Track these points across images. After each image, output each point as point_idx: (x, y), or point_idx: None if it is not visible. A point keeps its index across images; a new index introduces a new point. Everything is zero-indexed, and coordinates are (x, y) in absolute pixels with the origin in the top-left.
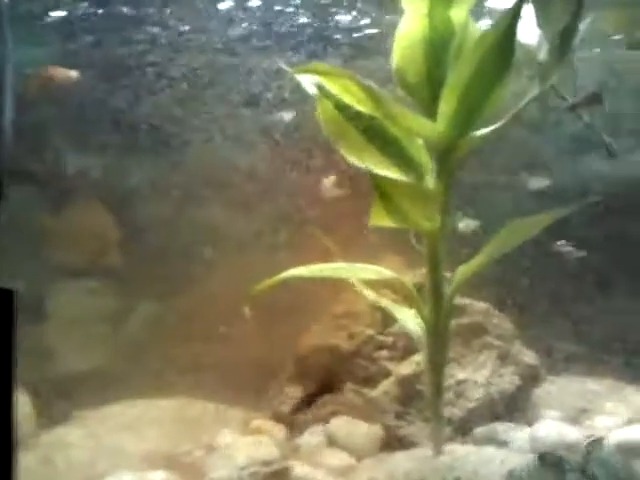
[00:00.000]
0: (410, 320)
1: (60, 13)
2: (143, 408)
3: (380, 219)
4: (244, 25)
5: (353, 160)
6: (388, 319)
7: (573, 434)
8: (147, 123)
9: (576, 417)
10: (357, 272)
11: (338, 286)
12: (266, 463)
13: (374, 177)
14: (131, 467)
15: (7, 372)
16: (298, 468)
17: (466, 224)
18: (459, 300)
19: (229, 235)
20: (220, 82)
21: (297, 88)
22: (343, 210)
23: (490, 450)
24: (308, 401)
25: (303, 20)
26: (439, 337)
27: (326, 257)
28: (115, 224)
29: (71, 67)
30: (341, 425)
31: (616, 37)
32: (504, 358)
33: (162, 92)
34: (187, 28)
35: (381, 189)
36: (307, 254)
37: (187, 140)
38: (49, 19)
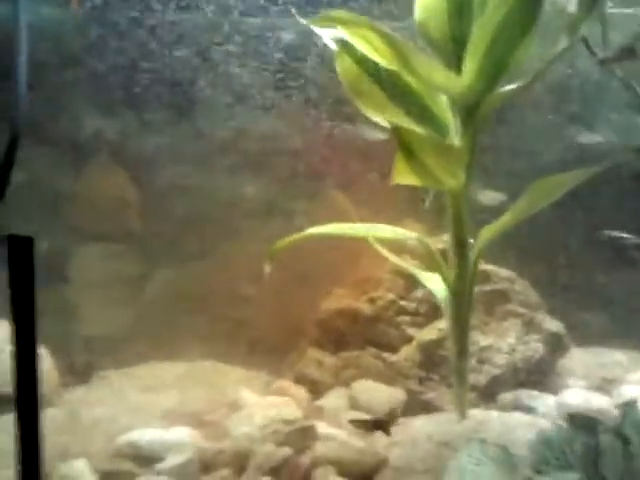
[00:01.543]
0: (434, 284)
1: None
2: (164, 370)
3: (404, 177)
4: None
5: (374, 117)
6: (409, 285)
7: (600, 401)
8: (169, 82)
9: (602, 386)
10: (378, 232)
11: (358, 252)
12: (288, 422)
13: (399, 131)
14: (154, 424)
15: (30, 320)
16: (321, 428)
17: (489, 197)
18: (482, 266)
19: (250, 199)
20: (243, 44)
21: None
22: (359, 174)
23: (515, 415)
24: (329, 364)
25: None
26: (464, 302)
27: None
28: (134, 188)
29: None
30: (363, 388)
31: None
32: (528, 326)
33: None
34: None
35: (406, 144)
36: (326, 218)
37: (208, 102)
38: None
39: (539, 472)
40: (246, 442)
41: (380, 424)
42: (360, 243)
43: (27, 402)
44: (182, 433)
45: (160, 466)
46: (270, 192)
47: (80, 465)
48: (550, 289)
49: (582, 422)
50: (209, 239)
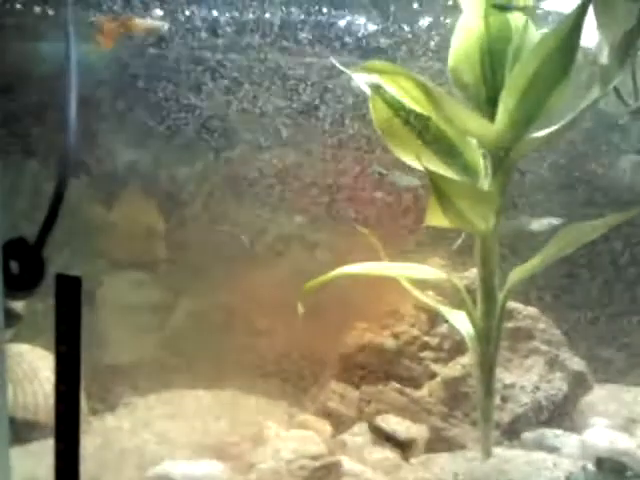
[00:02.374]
0: (460, 321)
1: None
2: (187, 399)
3: (436, 218)
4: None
5: (406, 160)
6: (433, 320)
7: (625, 442)
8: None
9: (626, 426)
10: (410, 271)
11: (380, 286)
12: (314, 457)
13: (433, 176)
14: (181, 455)
15: (76, 356)
16: (346, 463)
17: (541, 223)
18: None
19: (275, 232)
20: (275, 81)
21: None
22: (383, 212)
23: (540, 455)
24: (352, 398)
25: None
26: (490, 340)
27: (370, 257)
28: (162, 217)
29: None
30: (386, 424)
31: None
32: (552, 364)
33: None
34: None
35: (439, 188)
36: (350, 253)
37: (238, 136)
38: None
39: None
40: (273, 477)
41: (401, 445)
42: (382, 277)
43: (67, 438)
44: (211, 467)
45: None
46: (297, 226)
47: None
48: (571, 325)
49: (610, 466)
50: (235, 270)
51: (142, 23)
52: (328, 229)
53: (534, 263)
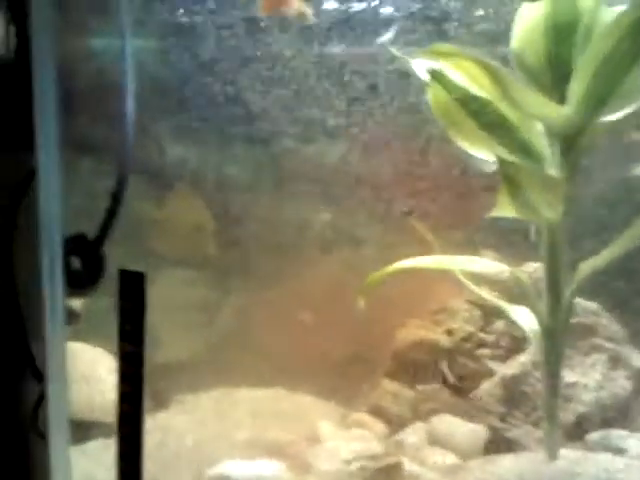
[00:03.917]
0: (522, 318)
1: None
2: (239, 397)
3: (504, 209)
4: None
5: (468, 147)
6: (487, 316)
7: None
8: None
9: None
10: (469, 264)
11: (431, 281)
12: (374, 458)
13: (503, 163)
14: (237, 454)
15: (140, 355)
16: (407, 465)
17: None
18: None
19: (323, 229)
20: (325, 76)
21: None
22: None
23: (608, 457)
24: (406, 397)
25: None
26: (557, 337)
27: (422, 251)
28: (211, 215)
29: None
30: (443, 423)
31: None
32: (615, 362)
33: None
34: None
35: (509, 176)
36: (400, 248)
37: (286, 131)
38: None
39: None
40: (334, 478)
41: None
42: (432, 271)
43: (131, 439)
44: (271, 467)
45: None
46: (347, 221)
47: None
48: (634, 321)
49: None
50: (283, 267)
51: (300, 5)
52: (384, 225)
53: (606, 256)
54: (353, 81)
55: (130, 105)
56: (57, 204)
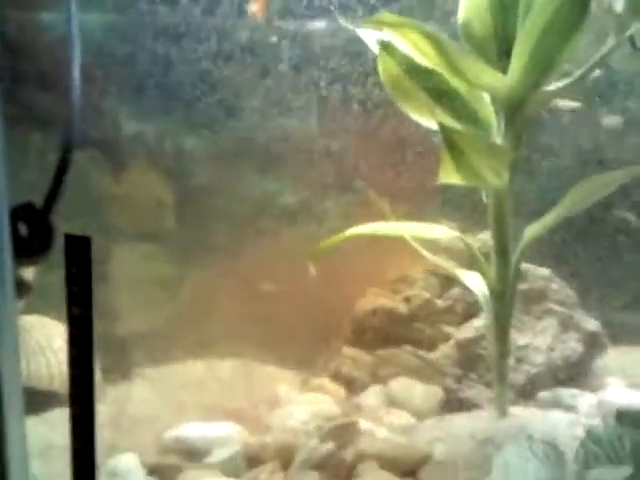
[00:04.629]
0: (474, 283)
1: None
2: (201, 368)
3: (449, 176)
4: None
5: (417, 117)
6: (444, 284)
7: None
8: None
9: None
10: (421, 230)
11: (389, 252)
12: (330, 418)
13: (446, 130)
14: (197, 420)
15: (88, 318)
16: (362, 425)
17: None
18: None
19: (281, 202)
20: (282, 50)
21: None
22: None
23: (557, 413)
24: (365, 362)
25: None
26: (505, 301)
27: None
28: (170, 189)
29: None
30: (400, 386)
31: None
32: (566, 325)
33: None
34: None
35: (452, 143)
36: (358, 219)
37: (244, 106)
38: None
39: (588, 468)
40: (290, 437)
41: None
42: (391, 242)
43: (82, 401)
44: (227, 428)
45: (207, 460)
46: (304, 193)
47: (129, 459)
48: (585, 286)
49: (630, 419)
50: (243, 239)
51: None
52: (336, 193)
53: (548, 220)
54: (308, 53)
55: (75, 74)
56: (1, 174)
